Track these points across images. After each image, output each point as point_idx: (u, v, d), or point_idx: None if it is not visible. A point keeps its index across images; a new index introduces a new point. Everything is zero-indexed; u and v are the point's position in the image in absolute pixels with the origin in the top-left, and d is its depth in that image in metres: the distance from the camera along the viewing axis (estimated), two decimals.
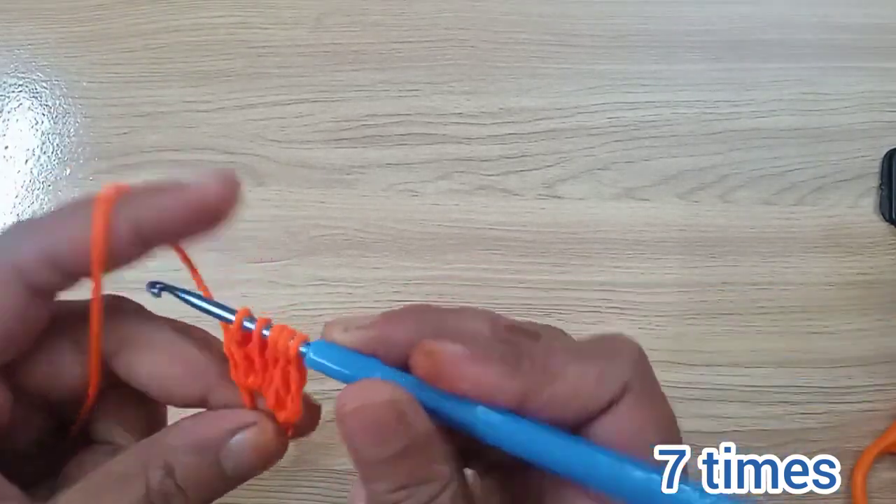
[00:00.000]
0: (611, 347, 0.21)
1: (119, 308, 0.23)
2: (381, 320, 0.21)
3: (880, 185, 0.44)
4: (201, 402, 0.22)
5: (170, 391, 0.22)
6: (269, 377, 0.22)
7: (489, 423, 0.19)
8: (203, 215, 0.20)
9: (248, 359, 0.22)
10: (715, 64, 0.46)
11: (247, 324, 0.21)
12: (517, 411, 0.19)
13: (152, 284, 0.22)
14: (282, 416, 0.22)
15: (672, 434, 0.21)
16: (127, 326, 0.22)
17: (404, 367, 0.20)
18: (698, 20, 0.47)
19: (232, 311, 0.22)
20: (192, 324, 0.24)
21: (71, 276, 0.20)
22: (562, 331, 0.22)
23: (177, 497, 0.20)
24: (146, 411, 0.24)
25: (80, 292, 0.21)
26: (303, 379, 0.22)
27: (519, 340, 0.21)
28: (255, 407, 0.22)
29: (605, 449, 0.19)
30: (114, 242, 0.20)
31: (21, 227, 0.21)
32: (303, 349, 0.21)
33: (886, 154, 0.44)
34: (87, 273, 0.20)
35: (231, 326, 0.21)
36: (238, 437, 0.21)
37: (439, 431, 0.20)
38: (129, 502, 0.20)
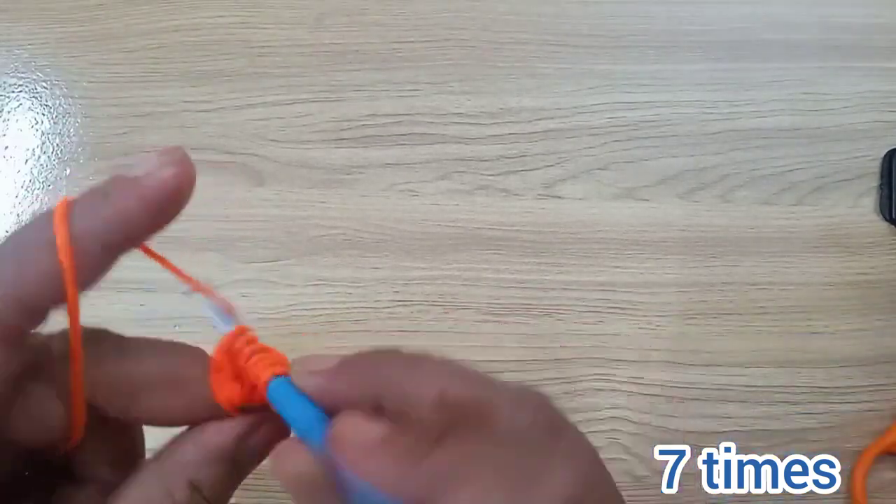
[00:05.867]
0: (546, 465, 0.19)
1: (98, 340, 0.21)
2: (334, 372, 0.21)
3: (880, 185, 0.44)
4: (186, 417, 0.21)
5: (158, 412, 0.21)
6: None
7: None
8: (165, 205, 0.19)
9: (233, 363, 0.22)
10: (715, 64, 0.46)
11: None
12: None
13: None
14: (227, 393, 0.21)
15: None
16: (110, 361, 0.20)
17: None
18: (698, 20, 0.47)
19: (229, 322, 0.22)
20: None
21: (39, 313, 0.18)
22: (532, 404, 0.20)
23: None
24: (125, 440, 0.23)
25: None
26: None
27: (444, 429, 0.19)
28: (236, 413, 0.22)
29: None
30: (83, 265, 0.18)
31: None
32: (273, 382, 0.21)
33: (886, 154, 0.44)
34: (55, 303, 0.18)
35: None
36: (256, 439, 0.21)
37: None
38: None
